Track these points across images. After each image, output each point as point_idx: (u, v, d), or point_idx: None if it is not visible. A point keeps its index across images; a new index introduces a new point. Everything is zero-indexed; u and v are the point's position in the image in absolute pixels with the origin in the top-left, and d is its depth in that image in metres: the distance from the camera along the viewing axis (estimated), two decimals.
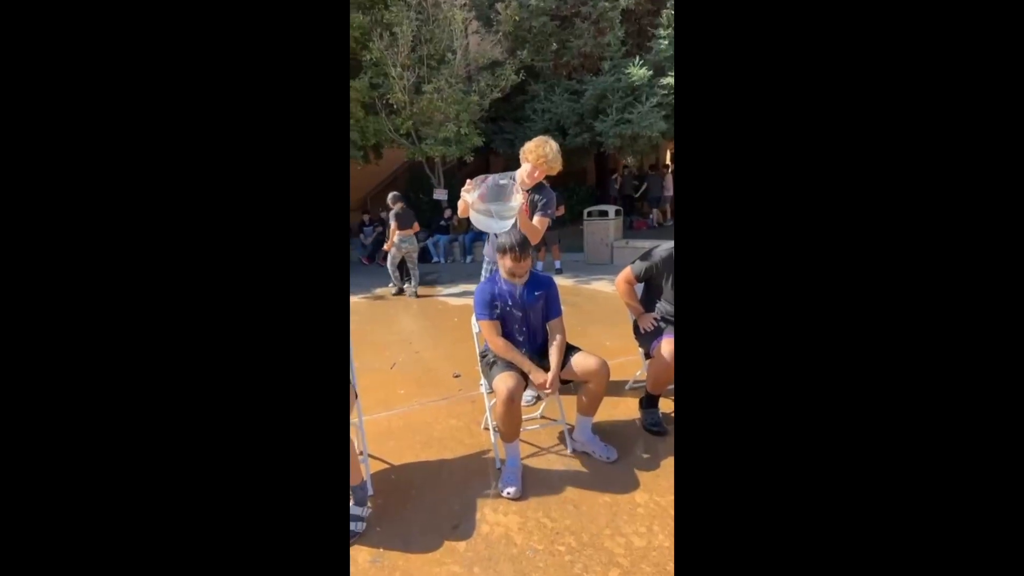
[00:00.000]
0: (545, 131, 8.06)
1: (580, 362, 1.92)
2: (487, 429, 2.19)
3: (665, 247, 2.29)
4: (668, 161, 12.96)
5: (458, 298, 5.30)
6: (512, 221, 1.99)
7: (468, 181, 2.01)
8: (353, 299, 5.58)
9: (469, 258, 7.79)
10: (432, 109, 7.24)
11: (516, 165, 2.33)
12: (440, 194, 8.35)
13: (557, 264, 6.41)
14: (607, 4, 7.75)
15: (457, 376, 2.98)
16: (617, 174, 10.28)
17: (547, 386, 1.84)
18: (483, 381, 2.07)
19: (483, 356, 2.06)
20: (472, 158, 7.95)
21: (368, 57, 7.09)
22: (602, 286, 5.57)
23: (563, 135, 8.19)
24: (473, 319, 2.10)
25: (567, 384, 1.99)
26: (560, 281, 5.88)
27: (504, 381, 1.78)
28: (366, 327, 4.36)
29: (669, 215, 9.66)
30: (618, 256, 6.80)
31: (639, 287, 2.39)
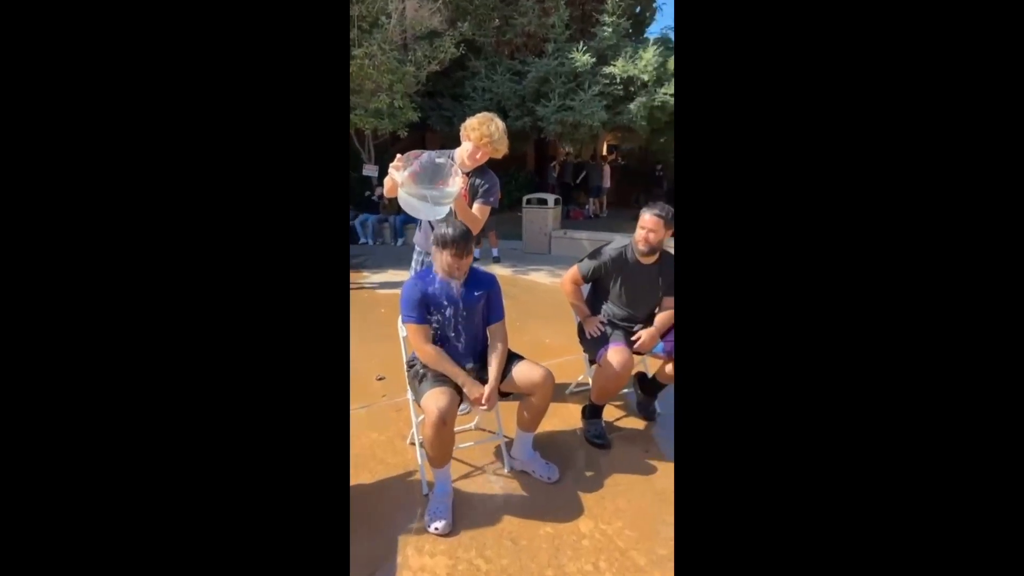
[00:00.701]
0: (485, 111, 7.67)
1: (523, 373, 1.68)
2: (413, 444, 1.91)
3: (614, 246, 2.11)
4: (604, 152, 13.09)
5: (386, 289, 4.89)
6: (448, 208, 1.72)
7: (398, 156, 1.70)
8: None
9: (400, 240, 7.31)
10: (362, 76, 6.61)
11: (454, 144, 2.02)
12: (370, 170, 7.76)
13: (495, 252, 6.16)
14: None
15: (381, 379, 2.65)
16: (556, 161, 10.17)
17: (484, 402, 1.59)
18: (410, 394, 1.78)
19: (410, 365, 1.76)
20: (406, 133, 7.41)
21: None
22: (541, 277, 5.41)
23: (504, 117, 7.88)
24: (399, 320, 1.79)
25: (507, 396, 1.76)
26: (497, 270, 5.65)
27: (435, 399, 1.50)
28: None
29: (604, 206, 9.73)
30: (556, 246, 6.68)
31: (586, 288, 2.20)
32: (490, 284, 1.75)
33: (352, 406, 2.37)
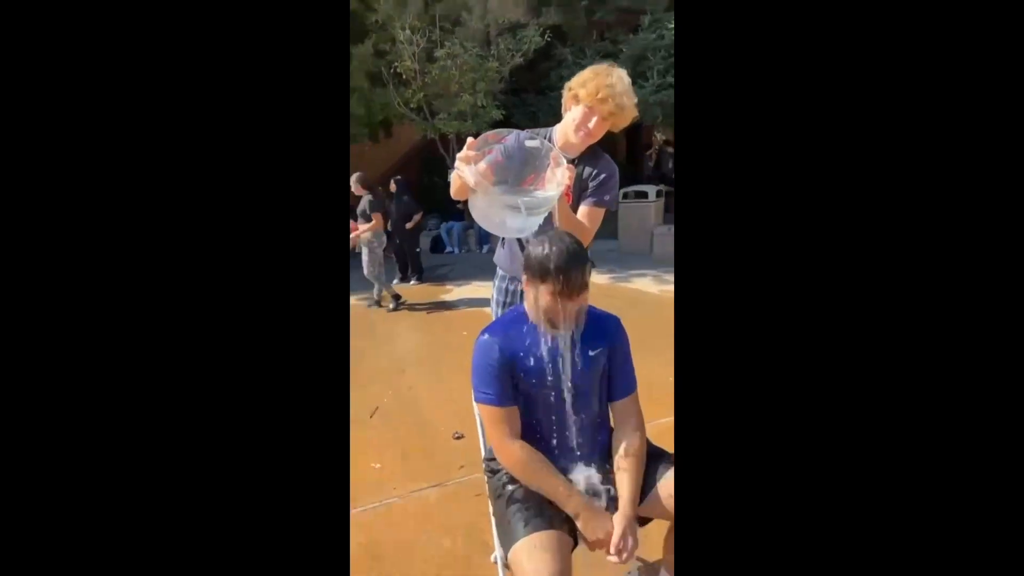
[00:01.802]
0: None
1: (672, 487, 1.02)
2: (496, 563, 1.34)
3: None
4: None
5: (470, 307, 4.41)
6: (543, 217, 1.12)
7: (469, 141, 1.11)
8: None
9: (486, 247, 6.91)
10: (446, 79, 6.30)
11: None
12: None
13: None
14: None
15: (459, 437, 2.13)
16: (652, 150, 9.17)
17: (613, 551, 0.96)
18: (494, 528, 1.12)
19: (491, 470, 1.16)
20: None
21: (373, 19, 6.17)
22: (646, 284, 4.63)
23: None
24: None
25: (647, 522, 1.11)
26: (593, 278, 4.98)
27: (535, 561, 0.89)
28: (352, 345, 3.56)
29: None
30: (660, 244, 5.81)
31: None
32: (614, 334, 1.10)
33: (420, 483, 1.86)
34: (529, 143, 1.17)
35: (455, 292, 4.97)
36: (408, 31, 6.03)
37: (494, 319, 1.41)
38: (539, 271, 0.98)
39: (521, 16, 7.16)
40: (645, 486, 1.04)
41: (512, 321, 1.10)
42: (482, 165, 1.10)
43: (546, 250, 0.97)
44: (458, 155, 1.11)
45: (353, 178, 4.08)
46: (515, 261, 1.37)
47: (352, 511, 1.73)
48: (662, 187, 6.33)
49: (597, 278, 4.96)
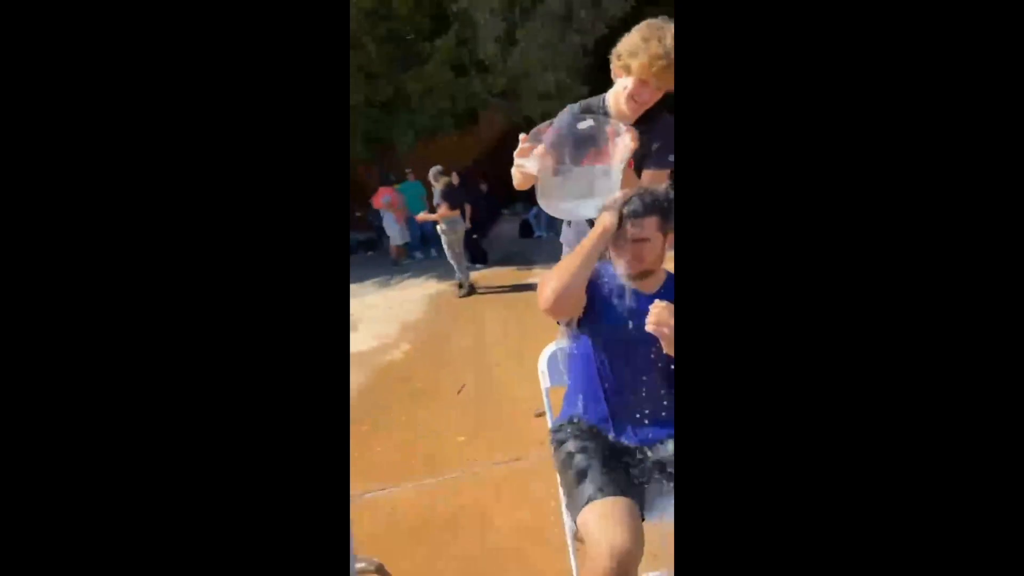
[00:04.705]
0: None
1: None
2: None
3: None
4: None
5: None
6: (605, 197, 1.07)
7: (521, 138, 1.11)
8: (436, 288, 5.00)
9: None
10: (528, 61, 6.22)
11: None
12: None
13: None
14: None
15: (540, 415, 2.12)
16: None
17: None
18: (563, 500, 1.09)
19: (555, 436, 1.14)
20: None
21: (454, 7, 6.27)
22: None
23: None
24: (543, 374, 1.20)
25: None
26: None
27: (602, 525, 0.85)
28: (437, 328, 3.71)
29: None
30: None
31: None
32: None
33: (497, 457, 1.88)
34: (581, 125, 1.11)
35: (540, 275, 4.96)
36: (487, 14, 6.04)
37: None
38: (636, 210, 1.00)
39: None
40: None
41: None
42: (540, 151, 1.08)
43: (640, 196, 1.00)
44: (515, 153, 1.11)
45: (431, 171, 4.74)
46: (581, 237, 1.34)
47: (435, 479, 1.80)
48: None
49: None
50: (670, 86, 1.17)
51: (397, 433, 2.21)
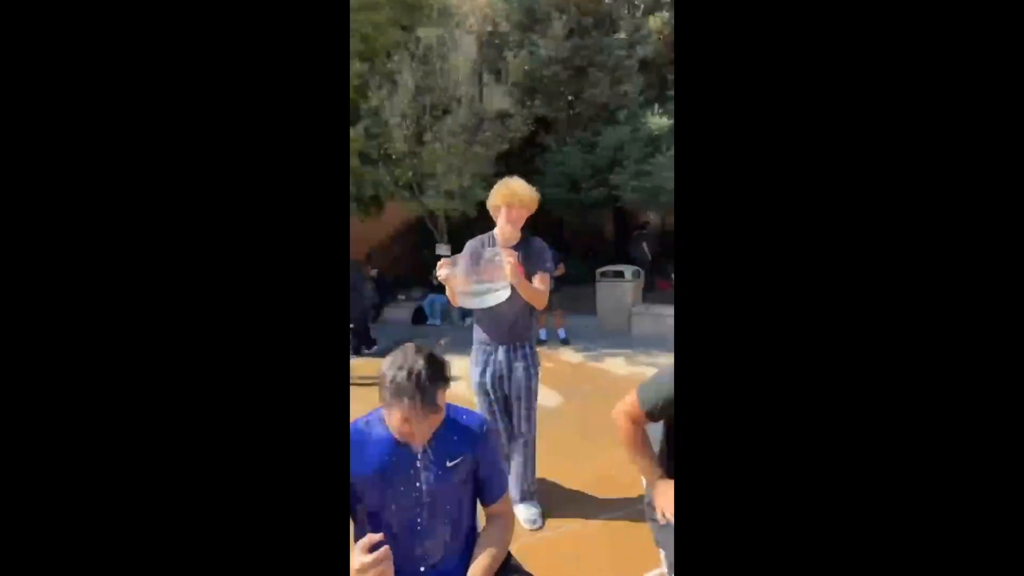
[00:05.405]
0: (556, 186, 7.43)
1: None
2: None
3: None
4: None
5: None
6: (507, 292, 1.70)
7: (440, 263, 1.72)
8: None
9: (469, 319, 6.92)
10: (433, 159, 6.68)
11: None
12: (443, 249, 7.66)
13: (561, 333, 5.46)
14: (623, 53, 7.29)
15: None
16: (638, 230, 9.47)
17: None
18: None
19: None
20: (476, 213, 7.28)
21: (366, 106, 6.65)
22: (617, 365, 4.57)
23: (576, 190, 7.54)
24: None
25: None
26: (566, 355, 4.92)
27: None
28: None
29: None
30: (637, 324, 5.81)
31: (655, 429, 1.37)
32: (475, 440, 1.07)
33: None
34: (485, 256, 1.69)
35: None
36: (398, 116, 6.48)
37: (473, 381, 1.95)
38: (400, 391, 0.93)
39: (509, 107, 7.75)
40: None
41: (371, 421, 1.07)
42: (457, 274, 1.69)
43: (399, 366, 0.95)
44: (438, 272, 1.72)
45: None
46: (490, 328, 1.95)
47: None
48: (638, 268, 6.44)
49: (571, 355, 4.92)
50: (524, 206, 1.86)
51: None
